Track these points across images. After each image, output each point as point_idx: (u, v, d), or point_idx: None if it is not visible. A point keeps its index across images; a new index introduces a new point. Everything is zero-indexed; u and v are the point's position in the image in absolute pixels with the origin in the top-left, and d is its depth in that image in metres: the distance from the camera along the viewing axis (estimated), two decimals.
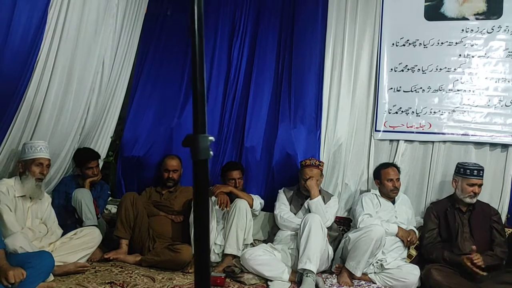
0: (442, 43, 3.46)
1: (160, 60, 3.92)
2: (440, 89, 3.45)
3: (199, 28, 0.64)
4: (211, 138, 0.63)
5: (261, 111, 3.71)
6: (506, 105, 3.33)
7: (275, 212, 3.27)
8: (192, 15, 0.64)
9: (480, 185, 2.99)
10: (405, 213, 3.22)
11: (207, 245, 0.63)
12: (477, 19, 3.41)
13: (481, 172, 3.00)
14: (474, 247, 2.77)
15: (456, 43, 3.43)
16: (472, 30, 3.41)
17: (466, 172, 3.01)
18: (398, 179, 3.21)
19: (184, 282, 2.79)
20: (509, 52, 3.35)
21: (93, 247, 2.92)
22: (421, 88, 3.49)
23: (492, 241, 2.94)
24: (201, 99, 0.63)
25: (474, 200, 3.00)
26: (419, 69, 3.49)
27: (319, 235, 2.85)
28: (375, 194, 3.26)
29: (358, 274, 2.88)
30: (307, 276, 2.73)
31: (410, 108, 3.50)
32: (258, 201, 3.37)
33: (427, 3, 3.50)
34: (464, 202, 3.01)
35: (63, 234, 2.91)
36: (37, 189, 2.77)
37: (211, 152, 0.63)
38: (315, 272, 2.78)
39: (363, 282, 2.93)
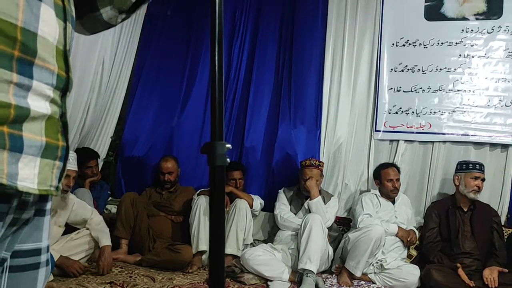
0: (442, 43, 3.45)
1: (160, 60, 3.92)
2: (440, 89, 3.45)
3: (219, 37, 0.66)
4: (228, 145, 0.64)
5: (261, 111, 3.71)
6: (506, 105, 3.33)
7: (275, 212, 3.27)
8: (213, 26, 0.66)
9: (483, 180, 3.02)
10: (405, 213, 3.22)
11: (222, 251, 0.65)
12: (477, 19, 3.41)
13: (482, 167, 3.05)
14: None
15: (456, 43, 3.43)
16: (472, 30, 3.41)
17: (469, 167, 3.04)
18: (398, 179, 3.21)
19: (184, 282, 2.78)
20: (509, 52, 3.35)
21: (93, 247, 2.92)
22: (421, 88, 3.48)
23: (492, 242, 2.95)
24: (219, 108, 0.65)
25: (478, 196, 3.01)
26: (419, 69, 3.49)
27: (320, 235, 2.85)
28: (375, 194, 3.26)
29: (358, 274, 2.88)
30: (307, 276, 2.73)
31: (410, 108, 3.50)
32: (258, 201, 3.37)
33: (427, 3, 3.49)
34: (467, 198, 3.01)
35: (62, 235, 2.90)
36: (62, 202, 2.77)
37: (228, 159, 0.64)
38: (315, 272, 2.78)
39: (363, 282, 2.94)
